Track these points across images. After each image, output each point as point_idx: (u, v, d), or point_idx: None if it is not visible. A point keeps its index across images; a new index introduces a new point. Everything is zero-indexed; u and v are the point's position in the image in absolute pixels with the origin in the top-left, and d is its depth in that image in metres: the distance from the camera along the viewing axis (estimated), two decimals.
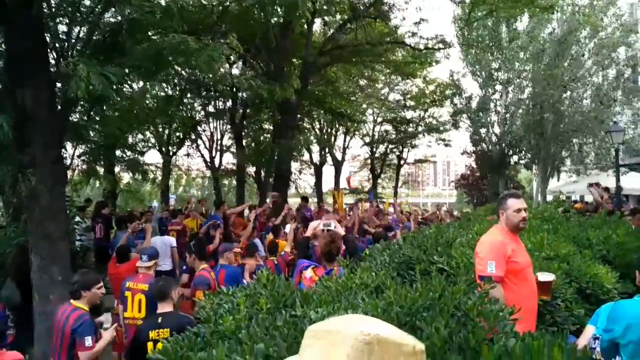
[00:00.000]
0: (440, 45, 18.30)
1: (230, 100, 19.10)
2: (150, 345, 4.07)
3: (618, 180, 12.92)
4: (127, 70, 7.02)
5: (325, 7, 11.73)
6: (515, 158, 25.61)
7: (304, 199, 13.96)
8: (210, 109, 20.32)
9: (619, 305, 3.04)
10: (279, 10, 10.63)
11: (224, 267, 6.00)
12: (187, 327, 4.29)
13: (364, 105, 28.52)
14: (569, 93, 20.72)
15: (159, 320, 4.23)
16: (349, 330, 0.86)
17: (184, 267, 7.56)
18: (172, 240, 8.87)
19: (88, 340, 4.15)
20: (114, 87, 6.33)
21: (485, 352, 2.15)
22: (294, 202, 18.75)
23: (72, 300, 4.40)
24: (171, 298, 4.39)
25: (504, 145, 24.24)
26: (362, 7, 15.63)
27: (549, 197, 20.73)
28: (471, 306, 2.47)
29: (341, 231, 5.06)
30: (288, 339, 2.19)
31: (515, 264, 3.62)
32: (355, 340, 0.84)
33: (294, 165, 25.30)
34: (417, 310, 2.48)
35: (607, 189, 12.63)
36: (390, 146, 31.39)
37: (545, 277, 3.89)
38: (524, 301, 3.42)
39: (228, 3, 7.78)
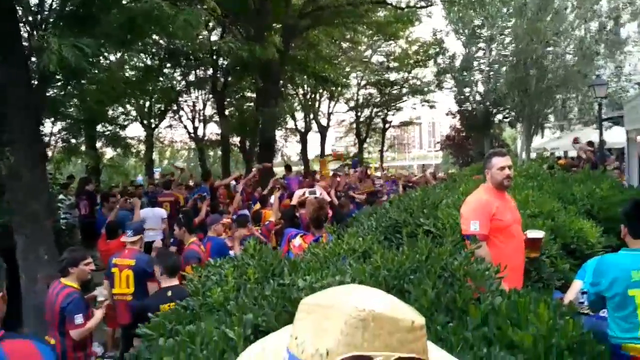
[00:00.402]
0: (422, 3, 18.02)
1: (211, 68, 18.77)
2: None
3: (601, 134, 13.01)
4: (102, 42, 6.80)
5: None
6: (499, 116, 25.70)
7: (288, 167, 13.89)
8: (191, 78, 19.98)
9: (604, 259, 3.09)
10: None
11: (211, 239, 5.98)
12: None
13: (347, 69, 28.21)
14: (552, 48, 20.64)
15: (169, 293, 4.21)
16: (342, 305, 0.83)
17: (172, 240, 7.53)
18: (162, 212, 8.82)
19: (78, 318, 4.14)
20: (89, 59, 6.15)
21: (472, 311, 2.17)
22: (279, 171, 18.70)
23: (61, 279, 4.37)
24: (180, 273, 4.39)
25: (488, 103, 24.26)
26: None
27: (533, 155, 20.89)
28: (457, 266, 2.48)
29: (327, 198, 5.05)
30: (277, 308, 2.18)
31: (500, 221, 3.63)
32: (349, 316, 0.81)
33: (279, 133, 25.12)
34: (405, 273, 2.48)
35: (591, 143, 12.75)
36: (375, 110, 31.23)
37: (535, 234, 3.92)
38: (510, 258, 3.44)
39: None
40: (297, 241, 4.51)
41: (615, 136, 14.39)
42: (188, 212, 7.26)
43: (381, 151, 34.23)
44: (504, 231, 3.65)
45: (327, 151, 29.92)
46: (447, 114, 28.30)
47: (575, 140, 12.74)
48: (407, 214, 4.51)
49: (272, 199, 8.86)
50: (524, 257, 3.80)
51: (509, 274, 3.03)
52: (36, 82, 7.21)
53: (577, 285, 3.46)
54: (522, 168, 7.94)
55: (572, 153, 17.48)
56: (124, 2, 7.59)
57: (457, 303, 2.25)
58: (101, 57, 8.46)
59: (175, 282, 4.36)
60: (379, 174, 16.44)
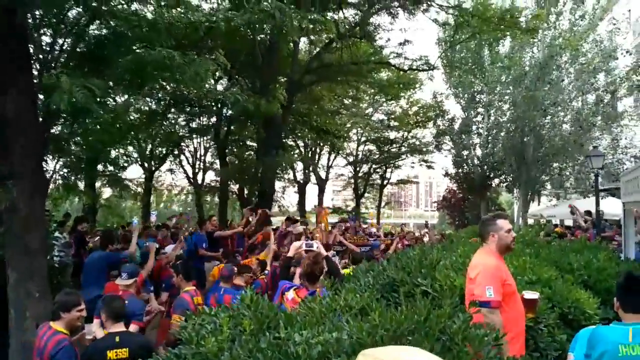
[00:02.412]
0: (424, 67, 18.55)
1: (214, 116, 19.06)
2: None
3: (598, 204, 13.08)
4: (110, 84, 6.94)
5: (311, 26, 11.81)
6: (496, 181, 25.92)
7: (288, 219, 13.64)
8: (194, 125, 20.25)
9: (597, 331, 3.06)
10: (266, 28, 10.69)
11: (229, 292, 5.87)
12: (147, 346, 4.23)
13: (348, 124, 28.70)
14: (549, 117, 21.10)
15: (117, 339, 4.08)
16: None
17: (163, 285, 7.42)
18: None
19: None
20: (98, 100, 6.26)
21: None
22: (277, 220, 18.62)
23: (51, 323, 4.23)
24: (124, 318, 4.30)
25: (485, 167, 24.54)
26: (347, 27, 15.81)
27: (530, 221, 20.93)
28: (456, 330, 2.45)
29: (324, 252, 5.02)
30: None
31: (509, 286, 3.57)
32: None
33: (278, 184, 25.25)
34: (402, 333, 2.45)
35: (588, 213, 12.78)
36: (374, 166, 31.59)
37: (531, 295, 3.88)
38: (516, 324, 3.44)
39: (215, 19, 7.77)
40: (290, 294, 4.45)
41: (611, 207, 14.47)
42: (187, 261, 7.21)
43: (378, 207, 34.28)
44: (511, 297, 3.57)
45: (326, 204, 29.93)
46: (444, 175, 28.55)
47: (572, 210, 12.80)
48: (405, 273, 4.47)
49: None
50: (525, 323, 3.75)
51: (514, 339, 3.01)
52: (42, 118, 7.30)
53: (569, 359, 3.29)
54: (519, 234, 7.95)
55: (568, 221, 17.53)
56: (135, 48, 7.82)
57: None
58: (109, 99, 8.58)
59: (120, 327, 4.24)
60: (374, 229, 16.38)
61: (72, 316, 4.21)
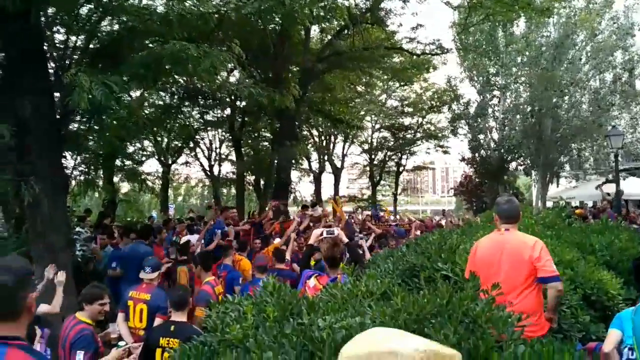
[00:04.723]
0: (438, 51, 18.35)
1: (229, 108, 19.10)
2: (158, 351, 4.10)
3: (618, 184, 12.92)
4: (126, 79, 7.00)
5: (322, 14, 11.75)
6: (513, 164, 25.66)
7: (304, 207, 13.77)
8: (209, 117, 20.32)
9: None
10: (276, 17, 10.65)
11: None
12: None
13: (362, 112, 28.55)
14: (566, 98, 20.78)
15: (172, 328, 4.21)
16: (404, 350, 0.91)
17: None
18: None
19: (79, 355, 4.05)
20: (116, 96, 6.32)
21: (495, 359, 2.13)
22: (293, 211, 18.69)
23: (77, 313, 4.36)
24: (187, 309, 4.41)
25: (502, 151, 24.29)
26: (359, 13, 15.67)
27: (549, 204, 20.72)
28: (479, 312, 2.45)
29: (344, 237, 5.02)
30: (297, 347, 2.17)
31: None
32: (413, 358, 0.91)
33: (294, 174, 25.31)
34: (425, 317, 2.46)
35: (607, 194, 12.64)
36: (389, 153, 31.42)
37: None
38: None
39: (225, 10, 7.77)
40: (312, 282, 4.47)
41: (632, 187, 14.26)
42: (207, 251, 7.27)
43: (394, 195, 34.17)
44: None
45: (341, 193, 29.96)
46: (461, 160, 28.30)
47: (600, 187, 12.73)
48: (425, 258, 4.47)
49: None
50: None
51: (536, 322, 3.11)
52: (59, 116, 7.40)
53: (615, 335, 3.28)
54: (539, 216, 7.88)
55: (588, 203, 17.34)
56: (147, 42, 7.86)
57: (479, 350, 2.21)
58: (124, 94, 8.66)
59: (182, 317, 4.34)
60: (392, 217, 16.37)
61: (94, 309, 4.36)
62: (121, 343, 4.44)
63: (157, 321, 5.00)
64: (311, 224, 10.06)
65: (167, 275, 7.49)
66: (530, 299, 3.60)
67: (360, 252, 5.99)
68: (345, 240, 5.01)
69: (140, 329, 5.18)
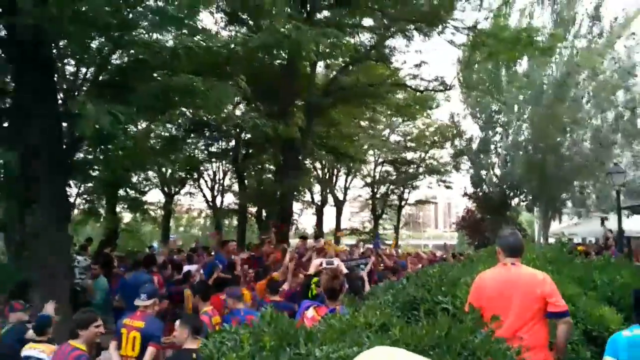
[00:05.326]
0: (440, 87, 18.59)
1: (233, 140, 19.28)
2: None
3: (620, 222, 12.87)
4: (134, 110, 7.14)
5: (327, 50, 12.00)
6: (516, 200, 25.62)
7: (303, 237, 13.65)
8: (214, 149, 20.48)
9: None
10: (282, 52, 10.88)
11: (249, 312, 5.82)
12: None
13: (366, 146, 28.72)
14: (568, 135, 20.89)
15: (193, 355, 4.14)
16: None
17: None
18: None
19: None
20: (122, 126, 6.43)
21: None
22: (295, 243, 18.60)
23: (70, 341, 4.33)
24: None
25: (504, 187, 24.28)
26: (363, 50, 15.96)
27: (551, 240, 20.60)
28: (478, 344, 2.44)
29: (344, 269, 5.01)
30: None
31: None
32: None
33: (296, 206, 25.28)
34: (424, 348, 2.45)
35: (610, 231, 12.60)
36: (391, 187, 31.47)
37: None
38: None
39: (233, 46, 7.96)
40: (310, 312, 4.43)
41: (634, 224, 14.20)
42: (204, 281, 7.24)
43: (397, 228, 34.03)
44: None
45: (343, 225, 29.87)
46: (463, 195, 28.29)
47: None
48: (425, 291, 4.44)
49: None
50: None
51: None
52: (65, 145, 7.51)
53: None
54: (540, 252, 7.83)
55: (590, 240, 17.24)
56: (156, 75, 8.02)
57: None
58: (130, 125, 8.80)
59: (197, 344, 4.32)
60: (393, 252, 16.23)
61: (90, 332, 4.35)
62: None
63: (150, 351, 4.95)
64: (313, 255, 10.00)
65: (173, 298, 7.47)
66: (540, 333, 3.57)
67: (360, 283, 5.97)
68: (345, 271, 5.00)
69: (132, 357, 5.05)
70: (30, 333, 4.92)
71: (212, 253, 9.91)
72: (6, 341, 5.19)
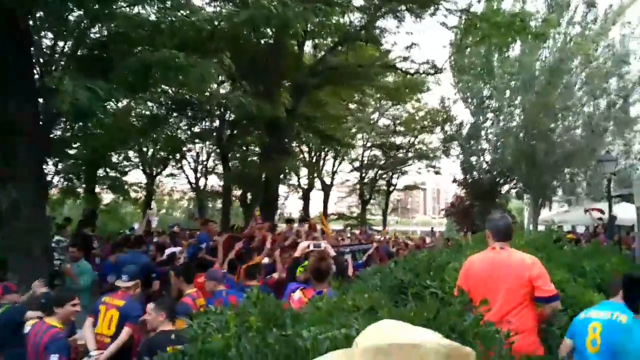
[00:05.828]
0: (431, 71, 18.39)
1: (217, 120, 18.95)
2: None
3: (610, 209, 12.93)
4: (114, 86, 6.89)
5: (316, 29, 11.75)
6: (506, 187, 25.67)
7: (288, 221, 13.44)
8: (197, 129, 20.12)
9: None
10: (269, 31, 10.60)
11: (232, 293, 5.71)
12: None
13: (354, 130, 28.58)
14: (560, 122, 20.87)
15: (172, 337, 4.04)
16: (428, 343, 0.91)
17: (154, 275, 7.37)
18: None
19: (54, 358, 3.97)
20: (102, 102, 6.20)
21: None
22: (281, 227, 18.46)
23: (45, 318, 4.22)
24: None
25: (495, 173, 24.29)
26: (353, 30, 15.70)
27: (541, 227, 20.67)
28: (467, 327, 2.38)
29: (331, 251, 4.90)
30: (280, 357, 2.06)
31: None
32: (438, 352, 0.90)
33: (281, 189, 25.10)
34: None
35: (601, 212, 12.59)
36: (380, 172, 31.36)
37: None
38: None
39: (218, 21, 7.72)
40: (297, 295, 4.34)
41: (624, 212, 14.22)
42: (188, 263, 7.10)
43: (384, 214, 34.02)
44: None
45: (330, 210, 29.80)
46: (453, 181, 28.26)
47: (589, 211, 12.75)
48: (413, 275, 4.36)
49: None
50: None
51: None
52: (42, 122, 7.25)
53: (567, 344, 3.71)
54: (529, 239, 7.80)
55: (580, 228, 17.31)
56: (137, 50, 7.75)
57: None
58: (112, 102, 8.51)
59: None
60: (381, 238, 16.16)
61: (66, 310, 4.32)
62: (92, 353, 4.30)
63: (126, 330, 4.82)
64: (298, 240, 9.87)
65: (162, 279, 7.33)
66: (528, 317, 3.56)
67: (345, 265, 5.86)
68: (333, 253, 4.89)
69: (107, 336, 4.89)
70: (30, 313, 4.77)
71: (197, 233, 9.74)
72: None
